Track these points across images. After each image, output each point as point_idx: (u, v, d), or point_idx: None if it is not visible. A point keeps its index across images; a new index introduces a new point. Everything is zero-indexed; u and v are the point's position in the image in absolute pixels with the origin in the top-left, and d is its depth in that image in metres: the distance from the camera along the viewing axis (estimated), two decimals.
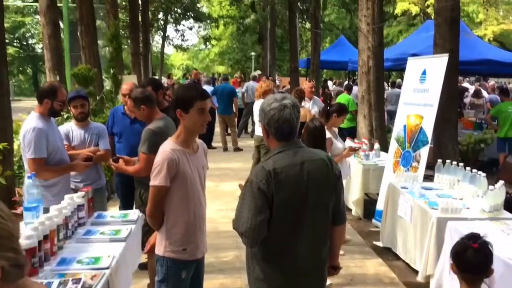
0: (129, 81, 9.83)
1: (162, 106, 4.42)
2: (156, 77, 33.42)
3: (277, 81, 21.70)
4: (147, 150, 3.52)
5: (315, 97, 8.40)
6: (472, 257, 2.20)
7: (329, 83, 21.29)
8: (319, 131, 3.97)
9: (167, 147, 2.63)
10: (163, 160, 2.56)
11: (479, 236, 2.30)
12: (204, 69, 50.61)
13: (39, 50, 36.83)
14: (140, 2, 20.66)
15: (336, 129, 5.17)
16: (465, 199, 4.31)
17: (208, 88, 11.93)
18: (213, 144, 11.86)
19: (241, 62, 37.89)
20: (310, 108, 7.72)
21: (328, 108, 5.05)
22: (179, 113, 2.60)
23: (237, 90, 13.96)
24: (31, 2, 25.10)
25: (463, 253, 2.24)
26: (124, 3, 25.55)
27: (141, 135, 3.63)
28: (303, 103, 7.56)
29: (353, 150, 5.03)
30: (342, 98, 10.28)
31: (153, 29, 31.56)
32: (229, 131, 11.68)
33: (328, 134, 4.84)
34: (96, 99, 8.17)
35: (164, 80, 26.47)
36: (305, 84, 9.18)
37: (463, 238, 2.33)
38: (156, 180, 2.57)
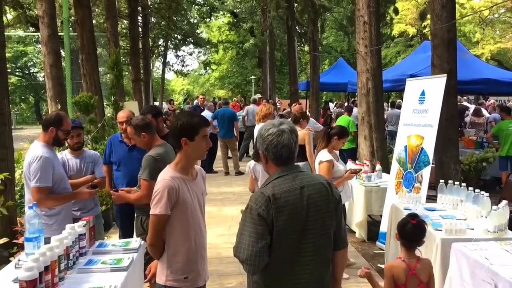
0: (130, 107, 9.95)
1: (162, 133, 4.45)
2: (157, 103, 33.72)
3: (277, 104, 21.82)
4: (148, 177, 3.52)
5: (311, 119, 8.46)
6: (410, 230, 3.00)
7: (330, 104, 21.39)
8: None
9: (167, 174, 2.63)
10: (163, 188, 2.56)
11: (417, 216, 3.10)
12: (204, 94, 51.06)
13: (41, 79, 37.22)
14: (140, 29, 20.99)
15: (337, 152, 5.18)
16: (469, 219, 4.28)
17: (208, 114, 12.02)
18: (215, 168, 11.85)
19: (241, 86, 38.23)
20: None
21: (329, 130, 5.07)
22: (184, 142, 2.61)
23: (237, 113, 14.06)
24: (33, 32, 25.50)
25: (404, 226, 3.03)
26: (124, 31, 25.97)
27: (140, 162, 3.64)
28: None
29: (355, 172, 5.03)
30: (342, 120, 10.32)
31: (154, 56, 31.93)
32: (230, 154, 11.69)
33: (329, 157, 4.86)
34: (98, 126, 8.21)
35: (165, 106, 26.74)
36: (293, 106, 9.23)
37: (407, 215, 3.11)
38: (156, 208, 2.56)
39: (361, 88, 8.20)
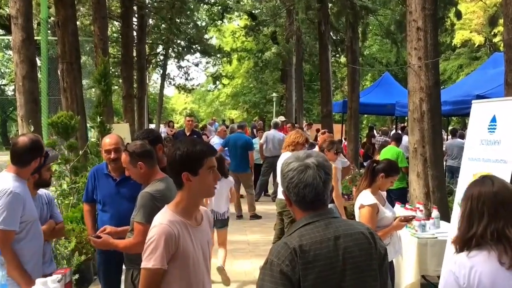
0: (120, 130, 10.08)
1: (163, 163, 4.50)
2: (153, 125, 34.14)
3: (305, 129, 21.92)
4: (143, 219, 3.53)
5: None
6: None
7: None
8: None
9: (164, 218, 2.66)
10: (159, 236, 2.58)
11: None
12: (213, 114, 51.61)
13: (10, 93, 38.00)
14: (135, 33, 21.46)
15: (383, 193, 5.15)
16: None
17: (216, 141, 12.15)
18: None
19: (259, 106, 38.55)
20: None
21: (374, 165, 5.06)
22: (186, 177, 2.65)
23: (254, 141, 14.13)
24: (2, 35, 26.17)
25: None
26: (115, 35, 26.60)
27: (131, 201, 3.68)
28: None
29: (406, 220, 4.99)
30: (389, 152, 10.26)
31: (151, 66, 32.61)
32: (243, 193, 11.69)
33: (373, 200, 4.84)
34: (79, 153, 8.34)
35: (163, 129, 27.06)
36: (320, 135, 9.26)
37: None
38: (150, 261, 2.57)
39: (413, 112, 8.19)
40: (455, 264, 2.43)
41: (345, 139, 18.03)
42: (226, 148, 11.58)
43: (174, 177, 2.72)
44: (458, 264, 2.40)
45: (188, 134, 11.96)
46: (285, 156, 7.37)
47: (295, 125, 19.25)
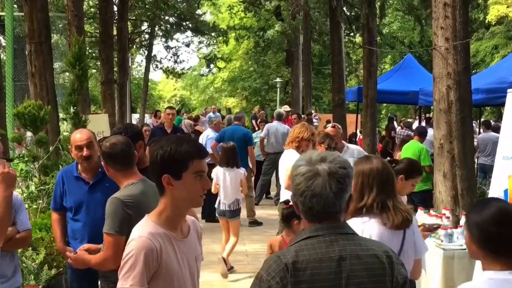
0: (97, 122, 10.07)
1: (144, 164, 4.49)
2: (137, 116, 34.19)
3: (314, 120, 21.90)
4: (112, 229, 3.59)
5: (350, 145, 8.38)
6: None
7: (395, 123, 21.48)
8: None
9: (144, 230, 2.64)
10: (139, 251, 2.57)
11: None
12: (206, 103, 51.59)
13: None
14: (115, 9, 21.39)
15: (404, 197, 5.13)
16: None
17: (210, 134, 12.10)
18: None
19: (260, 92, 38.61)
20: None
21: (393, 165, 5.02)
22: (166, 180, 2.65)
23: (254, 134, 14.08)
24: None
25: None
26: (92, 10, 26.51)
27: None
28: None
29: (429, 230, 4.97)
30: (410, 148, 10.24)
31: (134, 47, 32.53)
32: (241, 197, 11.67)
33: None
34: (49, 150, 8.31)
35: (149, 120, 27.13)
36: (326, 127, 9.14)
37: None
38: (127, 280, 2.56)
39: (438, 101, 8.16)
40: None
41: (360, 132, 18.02)
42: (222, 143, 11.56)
43: (155, 180, 2.73)
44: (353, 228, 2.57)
45: (169, 131, 11.14)
46: (288, 154, 7.35)
47: (302, 116, 19.27)
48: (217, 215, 8.98)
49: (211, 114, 27.21)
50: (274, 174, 13.14)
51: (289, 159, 7.15)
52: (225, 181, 8.75)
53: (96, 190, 4.57)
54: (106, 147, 3.95)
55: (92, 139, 4.64)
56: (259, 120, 24.49)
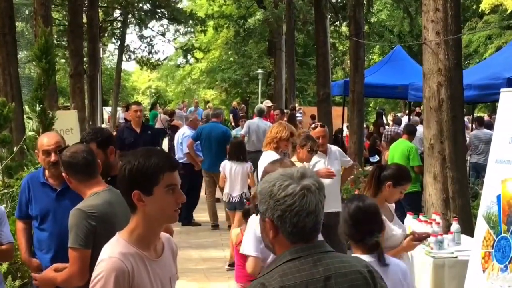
0: (65, 119, 9.98)
1: (115, 170, 4.46)
2: (108, 109, 33.95)
3: (298, 115, 21.89)
4: (76, 243, 3.59)
5: (331, 146, 8.27)
6: None
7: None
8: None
9: (115, 250, 2.63)
10: (109, 272, 2.55)
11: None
12: (183, 95, 51.39)
13: None
14: None
15: (391, 205, 5.16)
16: None
17: (186, 132, 12.07)
18: (196, 218, 11.80)
19: (241, 84, 38.52)
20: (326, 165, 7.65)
21: (380, 171, 5.04)
22: (137, 197, 2.64)
23: (234, 132, 14.06)
24: None
25: None
26: None
27: None
28: (317, 158, 7.55)
29: (419, 240, 4.98)
30: (399, 147, 10.27)
31: (105, 36, 32.30)
32: (220, 197, 11.65)
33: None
34: (13, 150, 8.23)
35: (121, 114, 26.98)
36: (311, 129, 8.84)
37: None
38: None
39: (429, 99, 8.18)
40: None
41: (347, 127, 18.05)
42: (198, 142, 11.50)
43: (125, 197, 2.71)
44: None
45: (138, 130, 10.16)
46: (268, 155, 7.27)
47: (285, 110, 19.23)
48: (228, 210, 10.13)
49: (191, 108, 27.19)
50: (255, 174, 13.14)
51: (267, 161, 7.13)
52: (233, 174, 9.64)
53: (64, 197, 4.52)
54: (66, 156, 3.93)
55: (61, 144, 4.57)
56: (240, 114, 24.47)
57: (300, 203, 2.23)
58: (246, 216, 6.24)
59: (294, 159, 6.96)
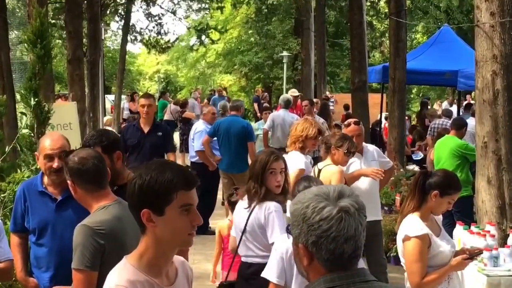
0: (63, 113, 10.05)
1: (122, 179, 4.50)
2: (111, 97, 34.06)
3: (330, 103, 21.86)
4: (82, 264, 3.61)
5: (367, 145, 8.17)
6: None
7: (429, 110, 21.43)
8: None
9: (122, 277, 2.66)
10: None
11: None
12: (197, 80, 51.41)
13: None
14: None
15: (439, 217, 5.15)
16: None
17: (200, 127, 12.10)
18: (212, 226, 11.84)
19: (263, 69, 38.43)
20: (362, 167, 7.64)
21: (425, 177, 5.02)
22: (146, 216, 2.66)
23: (255, 125, 14.07)
24: None
25: None
26: None
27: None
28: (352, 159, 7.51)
29: (470, 258, 4.97)
30: (446, 146, 10.15)
31: (108, 14, 32.34)
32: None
33: (421, 229, 4.84)
34: (5, 149, 8.30)
35: (126, 104, 27.11)
36: (344, 126, 8.70)
37: None
38: None
39: (482, 91, 8.12)
40: None
41: (386, 118, 17.95)
42: (215, 139, 11.53)
43: (134, 216, 2.74)
44: None
45: (146, 130, 9.40)
46: (293, 157, 7.36)
47: (315, 100, 19.17)
48: None
49: (215, 97, 27.13)
50: None
51: (294, 163, 7.16)
52: None
53: (65, 208, 4.55)
54: (74, 162, 3.92)
55: (66, 147, 4.59)
56: (262, 103, 24.44)
57: (338, 228, 2.25)
58: (232, 206, 6.68)
59: (327, 161, 7.03)
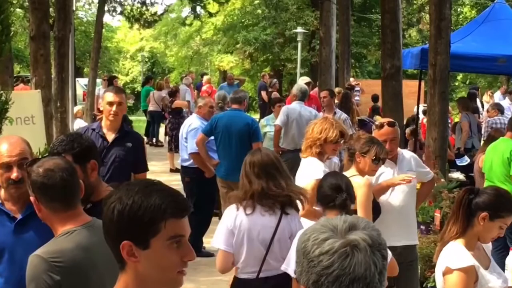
0: (25, 102, 10.10)
1: (98, 195, 4.52)
2: (84, 81, 34.09)
3: (355, 93, 21.86)
4: None
5: (404, 151, 8.05)
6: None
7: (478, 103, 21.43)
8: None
9: None
10: None
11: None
12: (190, 62, 51.43)
13: None
14: None
15: (487, 245, 5.16)
16: None
17: (195, 123, 12.07)
18: (207, 245, 11.86)
19: (272, 49, 38.46)
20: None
21: (469, 196, 5.02)
22: (127, 250, 2.66)
23: (263, 121, 14.09)
24: None
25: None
26: None
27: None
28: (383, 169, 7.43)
29: None
30: (498, 151, 10.15)
31: None
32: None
33: (467, 260, 4.86)
34: None
35: (101, 90, 27.10)
36: (375, 128, 8.39)
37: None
38: None
39: None
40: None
41: (424, 112, 17.93)
42: (212, 138, 11.53)
43: (112, 248, 2.74)
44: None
45: (110, 138, 8.16)
46: (309, 165, 7.40)
47: (338, 89, 19.18)
48: None
49: (224, 84, 26.98)
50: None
51: (310, 172, 7.19)
52: None
53: (26, 229, 4.55)
54: (38, 174, 3.90)
55: (27, 154, 4.59)
56: (271, 92, 24.36)
57: (341, 265, 2.24)
58: None
59: (352, 171, 6.94)
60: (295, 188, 6.23)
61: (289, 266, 5.61)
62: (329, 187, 5.85)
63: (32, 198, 3.94)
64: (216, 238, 6.10)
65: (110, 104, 8.06)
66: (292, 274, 5.51)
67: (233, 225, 6.00)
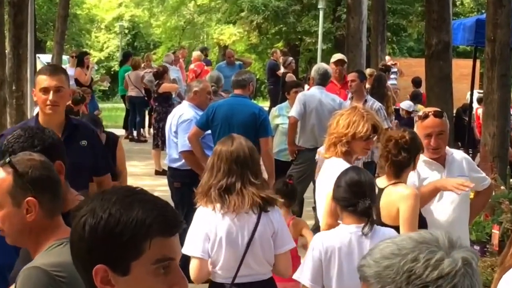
0: None
1: (66, 205, 4.54)
2: (47, 58, 34.22)
3: (392, 75, 21.92)
4: None
5: (454, 151, 8.01)
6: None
7: None
8: None
9: None
10: None
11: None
12: (181, 33, 51.55)
13: None
14: None
15: None
16: None
17: (189, 113, 12.01)
18: None
19: (286, 18, 38.61)
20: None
21: None
22: (101, 276, 2.63)
23: (275, 111, 14.17)
24: None
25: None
26: None
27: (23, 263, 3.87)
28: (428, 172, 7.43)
29: None
30: None
31: None
32: None
33: None
34: None
35: (70, 70, 27.19)
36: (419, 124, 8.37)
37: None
38: None
39: None
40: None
41: (478, 101, 17.97)
42: (209, 132, 11.49)
43: (81, 273, 2.73)
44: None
45: (61, 131, 7.14)
46: (333, 166, 7.33)
47: (371, 71, 19.22)
48: None
49: (223, 64, 26.73)
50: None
51: (333, 176, 7.04)
52: None
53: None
54: (35, 167, 3.97)
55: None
56: (285, 73, 24.41)
57: (463, 285, 2.32)
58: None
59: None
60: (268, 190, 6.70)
61: (302, 275, 6.12)
62: (350, 187, 6.04)
63: (31, 199, 3.88)
64: (188, 245, 6.32)
65: (45, 90, 7.05)
66: (306, 284, 6.07)
67: (207, 228, 6.37)
